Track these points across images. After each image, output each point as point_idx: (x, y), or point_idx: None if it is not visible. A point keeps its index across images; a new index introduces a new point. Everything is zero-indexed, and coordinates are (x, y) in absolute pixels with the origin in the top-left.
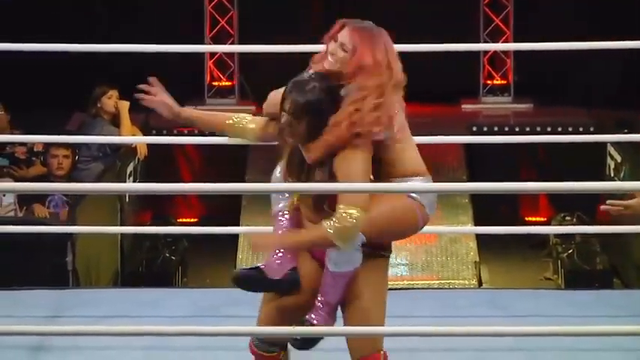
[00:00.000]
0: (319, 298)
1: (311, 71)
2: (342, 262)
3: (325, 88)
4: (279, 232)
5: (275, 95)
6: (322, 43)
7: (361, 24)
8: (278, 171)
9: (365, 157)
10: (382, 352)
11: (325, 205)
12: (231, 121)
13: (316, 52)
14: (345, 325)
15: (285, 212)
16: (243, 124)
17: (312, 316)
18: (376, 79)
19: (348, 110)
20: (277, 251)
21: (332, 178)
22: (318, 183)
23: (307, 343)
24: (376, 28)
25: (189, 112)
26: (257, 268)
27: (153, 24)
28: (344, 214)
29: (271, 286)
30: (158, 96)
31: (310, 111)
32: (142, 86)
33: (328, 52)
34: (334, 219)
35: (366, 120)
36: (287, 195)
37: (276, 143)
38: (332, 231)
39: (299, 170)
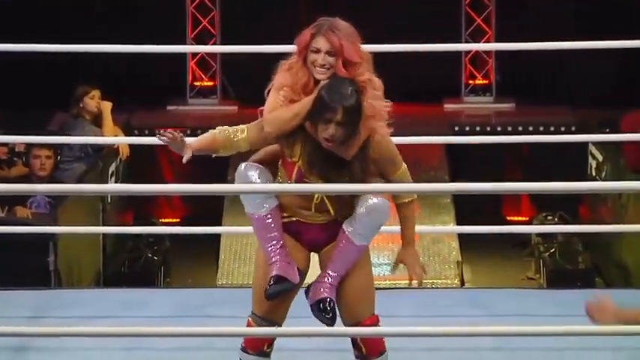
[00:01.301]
0: (330, 273)
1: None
2: (369, 236)
3: (356, 87)
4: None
5: (280, 115)
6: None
7: (331, 25)
8: (253, 174)
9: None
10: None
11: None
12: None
13: None
14: (345, 291)
15: (270, 215)
16: (237, 136)
17: (324, 290)
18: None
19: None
20: (274, 257)
21: (364, 163)
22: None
23: (332, 319)
24: (343, 22)
25: (195, 143)
26: (284, 280)
27: (153, 24)
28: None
29: (293, 288)
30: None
31: (358, 112)
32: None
33: (314, 64)
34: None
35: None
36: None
37: None
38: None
39: (326, 168)
